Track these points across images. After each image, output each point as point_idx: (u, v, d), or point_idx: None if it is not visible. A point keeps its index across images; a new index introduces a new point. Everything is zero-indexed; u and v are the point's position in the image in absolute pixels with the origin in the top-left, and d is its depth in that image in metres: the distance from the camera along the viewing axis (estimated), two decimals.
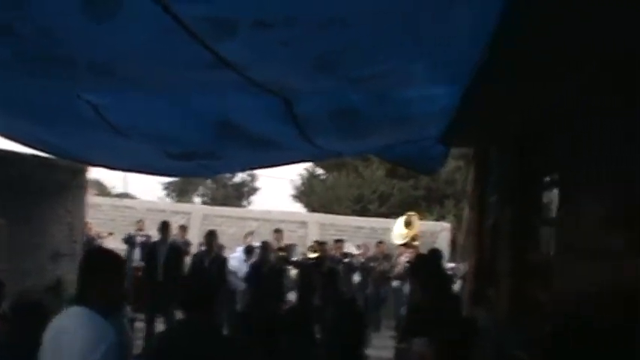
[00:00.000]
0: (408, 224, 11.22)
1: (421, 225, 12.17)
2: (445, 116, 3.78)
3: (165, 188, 28.36)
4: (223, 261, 9.06)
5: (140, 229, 11.13)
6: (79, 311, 2.60)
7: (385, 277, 10.88)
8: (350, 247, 11.87)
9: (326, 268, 8.25)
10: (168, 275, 8.04)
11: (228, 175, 26.32)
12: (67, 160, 6.47)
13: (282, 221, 14.34)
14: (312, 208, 22.36)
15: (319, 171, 24.45)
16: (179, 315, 3.25)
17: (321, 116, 3.31)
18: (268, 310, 7.17)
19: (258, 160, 5.08)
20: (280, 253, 9.59)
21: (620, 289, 1.79)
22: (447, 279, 5.23)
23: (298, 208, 24.37)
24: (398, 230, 11.36)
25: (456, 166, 17.46)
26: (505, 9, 1.91)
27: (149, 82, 2.68)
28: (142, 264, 9.12)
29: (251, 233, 11.10)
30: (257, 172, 25.95)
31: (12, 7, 1.89)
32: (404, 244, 10.85)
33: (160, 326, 7.75)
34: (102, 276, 2.68)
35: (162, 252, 8.33)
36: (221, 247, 9.74)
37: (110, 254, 2.95)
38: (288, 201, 25.62)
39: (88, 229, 10.85)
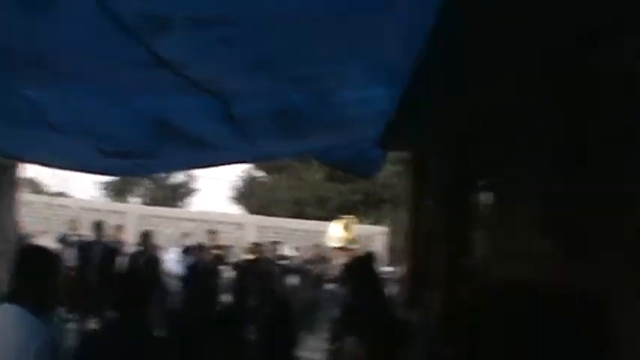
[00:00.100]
0: (345, 228, 11.28)
1: (358, 229, 12.25)
2: (383, 119, 3.81)
3: (104, 188, 27.96)
4: (158, 261, 8.98)
5: (74, 229, 10.94)
6: (10, 310, 2.55)
7: (321, 279, 10.92)
8: (287, 250, 11.88)
9: (262, 270, 8.25)
10: (102, 275, 7.94)
11: (167, 175, 26.11)
12: None
13: (220, 222, 14.30)
14: (251, 210, 22.33)
15: (259, 173, 24.42)
16: (112, 315, 3.20)
17: (259, 117, 3.31)
18: (203, 310, 7.13)
19: (197, 161, 5.05)
20: (216, 254, 9.55)
21: (546, 290, 1.84)
22: (381, 281, 5.27)
23: (237, 210, 24.33)
24: (335, 233, 11.41)
25: (394, 171, 17.62)
26: (441, 11, 1.93)
27: (86, 78, 2.64)
28: (76, 264, 8.97)
29: (187, 234, 11.03)
30: (197, 173, 25.81)
31: None
32: (341, 247, 10.91)
33: (92, 326, 7.63)
34: (35, 274, 2.63)
35: (97, 252, 8.22)
36: (157, 248, 9.66)
37: (45, 252, 2.89)
38: (227, 203, 25.53)
39: (21, 227, 10.62)
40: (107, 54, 2.27)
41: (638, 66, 1.79)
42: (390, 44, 2.30)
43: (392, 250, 11.50)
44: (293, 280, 11.00)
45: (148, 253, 8.85)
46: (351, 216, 11.87)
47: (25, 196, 12.59)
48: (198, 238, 10.73)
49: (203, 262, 9.04)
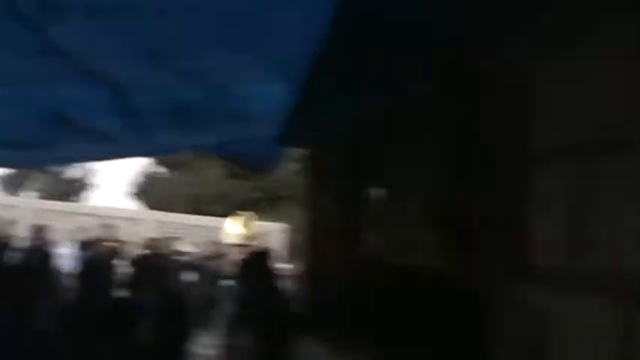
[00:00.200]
0: (243, 224, 11.30)
1: (257, 225, 12.28)
2: (281, 115, 3.85)
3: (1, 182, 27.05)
4: (50, 256, 8.77)
5: None
6: None
7: (218, 275, 10.89)
8: (185, 245, 11.80)
9: (158, 265, 8.18)
10: None
11: (63, 169, 25.47)
12: None
13: (117, 217, 14.06)
14: (150, 206, 22.03)
15: (159, 169, 24.12)
16: None
17: (156, 110, 3.30)
18: (96, 305, 7.02)
19: (92, 154, 4.97)
20: (112, 249, 9.39)
21: (428, 281, 1.93)
22: (276, 277, 5.32)
23: (136, 205, 23.96)
24: (233, 230, 11.42)
25: (294, 168, 17.70)
26: (340, 4, 1.97)
27: None
28: None
29: (83, 229, 10.80)
30: (95, 167, 25.27)
31: None
32: (239, 244, 10.92)
33: None
34: None
35: None
36: (50, 242, 9.43)
37: None
38: (126, 198, 25.15)
39: None
40: (0, 41, 2.24)
41: (528, 67, 1.87)
42: (285, 38, 2.33)
43: (290, 246, 11.57)
44: (190, 275, 10.92)
45: (40, 248, 8.64)
46: (250, 212, 11.88)
47: None
48: (95, 232, 10.54)
49: (98, 256, 8.89)
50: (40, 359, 5.72)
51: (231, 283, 10.52)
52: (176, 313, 6.10)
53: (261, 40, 2.32)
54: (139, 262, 8.72)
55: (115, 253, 9.46)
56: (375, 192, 3.79)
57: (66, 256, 9.57)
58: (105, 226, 10.66)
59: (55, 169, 23.57)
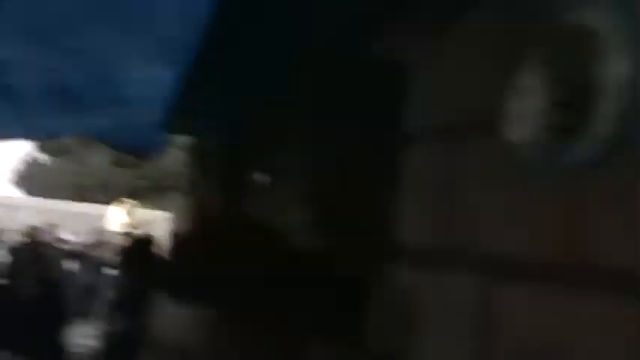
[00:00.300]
0: (127, 212, 11.15)
1: (142, 214, 12.13)
2: (165, 101, 3.82)
3: None
4: None
5: None
6: None
7: (101, 264, 10.72)
8: (67, 233, 11.54)
9: (38, 253, 7.98)
10: None
11: None
12: None
13: None
14: (32, 193, 21.41)
15: (41, 156, 23.45)
16: None
17: (34, 91, 3.22)
18: None
19: None
20: None
21: (306, 261, 1.97)
22: (159, 265, 5.29)
23: (18, 193, 23.24)
24: (117, 218, 11.24)
25: (179, 157, 17.51)
26: None
27: None
28: None
29: None
30: None
31: None
32: (123, 232, 10.76)
33: None
34: None
35: None
36: None
37: None
38: (7, 185, 24.33)
39: None
40: None
41: (403, 53, 1.93)
42: (169, 21, 2.32)
43: (175, 235, 11.46)
44: (72, 264, 10.70)
45: None
46: (134, 201, 11.73)
47: None
48: None
49: None
50: None
51: (113, 271, 10.38)
52: (55, 302, 5.97)
53: (142, 22, 2.30)
54: (18, 250, 8.48)
55: None
56: (257, 177, 3.82)
57: None
58: None
59: None
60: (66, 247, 10.60)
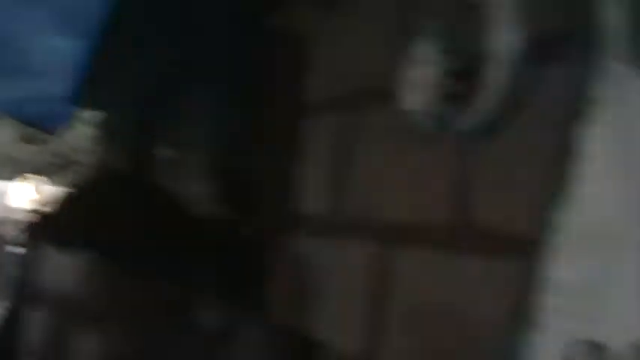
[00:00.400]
0: (34, 189, 10.88)
1: (48, 190, 11.85)
2: (71, 73, 3.73)
3: None
4: None
5: None
6: None
7: (5, 241, 10.44)
8: None
9: None
10: None
11: None
12: None
13: None
14: None
15: None
16: None
17: None
18: None
19: None
20: None
21: (211, 230, 1.98)
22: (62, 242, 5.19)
23: None
24: (23, 194, 10.96)
25: (87, 132, 17.19)
26: None
27: None
28: None
29: None
30: None
31: None
32: (29, 209, 10.50)
33: None
34: None
35: None
36: None
37: None
38: None
39: None
40: None
41: (304, 25, 1.94)
42: None
43: (71, 190, 11.26)
44: None
45: None
46: (41, 177, 11.43)
47: None
48: None
49: None
50: None
51: (18, 248, 10.13)
52: None
53: None
54: None
55: None
56: (163, 150, 3.79)
57: None
58: None
59: None
60: None
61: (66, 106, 4.98)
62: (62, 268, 1.85)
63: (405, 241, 1.45)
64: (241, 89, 2.28)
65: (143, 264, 1.74)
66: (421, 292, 1.37)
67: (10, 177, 16.00)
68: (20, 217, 10.59)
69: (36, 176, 11.65)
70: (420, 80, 1.38)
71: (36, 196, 11.20)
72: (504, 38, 1.22)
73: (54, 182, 14.87)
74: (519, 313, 1.04)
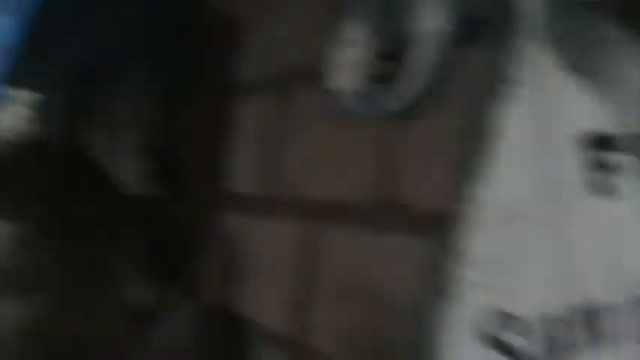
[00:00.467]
0: None
1: None
2: (3, 52, 3.66)
3: None
4: None
5: None
6: None
7: None
8: None
9: None
10: None
11: None
12: None
13: None
14: None
15: None
16: None
17: None
18: None
19: None
20: None
21: (142, 208, 1.98)
22: None
23: None
24: None
25: (19, 112, 16.83)
26: None
27: None
28: None
29: None
30: None
31: None
32: None
33: None
34: None
35: None
36: None
37: None
38: None
39: None
40: None
41: (238, 11, 1.95)
42: None
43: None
44: None
45: None
46: None
47: None
48: None
49: None
50: None
51: None
52: None
53: None
54: None
55: None
56: (96, 128, 3.75)
57: None
58: None
59: None
60: None
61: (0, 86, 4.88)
62: None
63: (332, 219, 1.47)
64: (174, 69, 2.27)
65: (71, 237, 1.74)
66: (347, 268, 1.40)
67: None
68: None
69: None
70: (348, 61, 1.41)
71: None
72: (431, 21, 1.25)
73: None
74: (435, 286, 1.08)
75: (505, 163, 1.04)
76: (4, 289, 1.75)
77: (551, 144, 1.02)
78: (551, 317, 1.00)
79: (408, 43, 1.29)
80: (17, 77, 4.33)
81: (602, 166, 0.93)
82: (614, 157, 0.92)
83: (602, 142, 0.94)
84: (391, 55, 1.33)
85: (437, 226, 1.13)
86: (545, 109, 1.03)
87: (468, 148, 1.08)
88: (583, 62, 1.01)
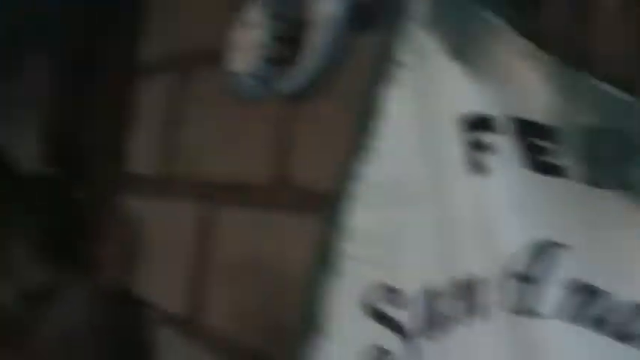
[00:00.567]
0: None
1: None
2: None
3: None
4: None
5: None
6: None
7: None
8: None
9: None
10: None
11: None
12: None
13: None
14: None
15: None
16: None
17: None
18: None
19: None
20: None
21: (41, 189, 1.95)
22: None
23: None
24: None
25: None
26: None
27: None
28: None
29: None
30: None
31: None
32: None
33: None
34: None
35: None
36: None
37: None
38: None
39: None
40: None
41: None
42: None
43: None
44: None
45: None
46: None
47: None
48: None
49: None
50: None
51: None
52: None
53: None
54: None
55: None
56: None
57: None
58: None
59: None
60: None
61: None
62: None
63: (229, 200, 1.49)
64: (75, 51, 2.25)
65: None
66: (240, 247, 1.42)
67: None
68: None
69: None
70: (247, 43, 1.43)
71: None
72: (326, 6, 1.28)
73: None
74: (323, 262, 1.11)
75: (390, 143, 1.07)
76: None
77: (434, 125, 1.05)
78: (434, 291, 1.03)
79: (305, 27, 1.31)
80: None
81: (479, 146, 0.97)
82: (490, 137, 0.96)
83: (480, 123, 0.98)
84: (289, 39, 1.36)
85: (325, 204, 1.16)
86: (428, 92, 1.06)
87: (356, 128, 1.11)
88: (466, 48, 1.05)
